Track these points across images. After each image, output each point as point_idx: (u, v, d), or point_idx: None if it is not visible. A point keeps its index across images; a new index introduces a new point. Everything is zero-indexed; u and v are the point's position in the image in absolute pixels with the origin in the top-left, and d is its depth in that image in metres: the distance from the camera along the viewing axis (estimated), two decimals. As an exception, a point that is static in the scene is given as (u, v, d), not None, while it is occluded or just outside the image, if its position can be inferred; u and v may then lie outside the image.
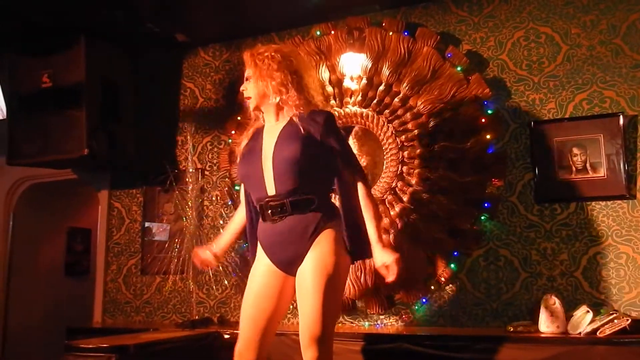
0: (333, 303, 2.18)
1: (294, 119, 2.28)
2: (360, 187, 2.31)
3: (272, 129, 2.34)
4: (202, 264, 2.57)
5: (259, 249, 2.35)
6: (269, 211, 2.25)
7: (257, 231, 2.38)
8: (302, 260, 2.21)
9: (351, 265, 3.29)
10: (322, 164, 2.27)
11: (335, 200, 2.36)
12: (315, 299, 2.13)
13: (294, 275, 2.25)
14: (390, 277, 2.23)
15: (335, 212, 2.30)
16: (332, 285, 2.16)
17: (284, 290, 2.30)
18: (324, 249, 2.19)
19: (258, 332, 2.28)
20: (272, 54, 2.33)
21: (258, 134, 2.39)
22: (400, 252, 3.16)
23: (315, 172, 2.25)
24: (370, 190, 2.37)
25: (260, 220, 2.33)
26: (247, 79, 2.38)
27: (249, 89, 2.36)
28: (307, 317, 2.15)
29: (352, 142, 3.40)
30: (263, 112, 2.40)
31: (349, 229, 2.26)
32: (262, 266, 2.33)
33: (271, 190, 2.25)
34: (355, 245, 2.28)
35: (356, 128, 3.43)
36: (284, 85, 2.29)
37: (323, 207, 2.26)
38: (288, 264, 2.26)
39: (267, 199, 2.26)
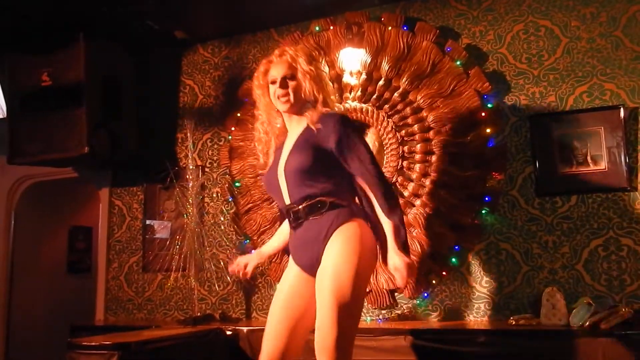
0: (348, 306, 2.05)
1: (310, 125, 2.24)
2: (374, 188, 2.18)
3: (291, 136, 2.33)
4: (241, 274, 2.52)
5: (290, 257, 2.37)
6: (290, 218, 2.29)
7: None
8: (319, 264, 2.18)
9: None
10: (335, 166, 2.23)
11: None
12: (327, 306, 2.05)
13: None
14: (400, 282, 2.13)
15: (354, 209, 2.24)
16: (346, 287, 2.05)
17: (312, 292, 2.18)
18: (337, 249, 2.13)
19: (287, 334, 2.20)
20: (313, 58, 2.36)
21: (280, 149, 2.37)
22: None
23: (327, 175, 2.21)
24: (387, 189, 2.22)
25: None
26: (288, 77, 2.27)
27: (291, 88, 2.26)
28: (320, 325, 2.07)
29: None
30: (283, 115, 2.37)
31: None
32: (292, 271, 2.33)
33: (287, 199, 2.28)
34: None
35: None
36: (322, 91, 2.30)
37: (339, 207, 2.19)
38: (310, 267, 2.23)
39: (286, 208, 2.29)
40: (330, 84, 2.46)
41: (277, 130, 2.40)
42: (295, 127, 2.33)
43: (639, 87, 2.98)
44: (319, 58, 2.53)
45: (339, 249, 2.13)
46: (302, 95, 2.27)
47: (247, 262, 2.50)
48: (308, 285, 2.23)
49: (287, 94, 2.26)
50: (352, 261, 2.10)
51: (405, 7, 3.49)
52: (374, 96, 3.38)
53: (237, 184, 3.69)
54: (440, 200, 3.17)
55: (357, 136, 2.24)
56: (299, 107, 2.29)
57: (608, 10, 3.08)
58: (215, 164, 3.89)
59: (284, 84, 2.26)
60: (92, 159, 3.77)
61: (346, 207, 2.22)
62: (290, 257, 2.36)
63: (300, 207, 2.22)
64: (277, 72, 2.29)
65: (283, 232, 2.53)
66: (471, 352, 2.66)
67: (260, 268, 3.61)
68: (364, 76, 3.42)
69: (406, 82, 3.31)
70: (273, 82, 2.30)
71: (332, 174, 2.23)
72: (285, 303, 2.26)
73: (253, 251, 2.58)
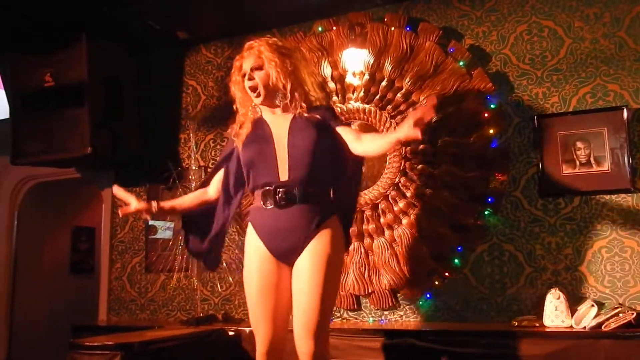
0: (331, 297, 2.23)
1: (302, 113, 2.31)
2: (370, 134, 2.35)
3: (278, 119, 2.33)
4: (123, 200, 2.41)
5: (251, 234, 2.31)
6: (277, 196, 2.22)
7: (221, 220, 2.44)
8: (301, 252, 2.20)
9: (355, 261, 3.33)
10: (331, 156, 2.31)
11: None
12: (314, 294, 2.14)
13: (289, 265, 2.25)
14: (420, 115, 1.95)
15: (335, 206, 2.34)
16: (331, 279, 2.19)
17: (281, 277, 2.26)
18: (324, 244, 2.20)
19: (272, 321, 2.24)
20: (283, 49, 2.36)
21: (260, 123, 2.36)
22: (404, 248, 3.21)
23: (325, 163, 2.28)
24: None
25: (260, 205, 2.27)
26: (255, 68, 2.29)
27: (258, 77, 2.29)
28: (304, 311, 2.15)
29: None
30: (261, 106, 2.38)
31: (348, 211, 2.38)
32: (255, 255, 2.29)
33: (283, 175, 2.24)
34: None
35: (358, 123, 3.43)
36: (292, 79, 2.31)
37: (327, 201, 2.31)
38: (285, 254, 2.23)
39: (276, 185, 2.23)
40: (313, 79, 2.47)
41: (253, 113, 2.41)
42: (280, 114, 2.35)
43: (643, 88, 2.98)
44: (291, 48, 2.52)
45: (330, 241, 2.21)
46: (271, 84, 2.29)
47: (132, 204, 2.35)
48: (276, 270, 2.25)
49: (256, 86, 2.30)
50: (336, 255, 2.24)
51: (408, 8, 3.48)
52: (377, 97, 3.38)
53: (239, 185, 3.69)
54: (443, 201, 3.16)
55: None
56: (272, 98, 2.32)
57: (612, 11, 3.07)
58: (217, 165, 3.88)
59: (251, 75, 2.30)
60: (94, 159, 3.78)
61: (332, 202, 2.33)
62: (253, 238, 2.30)
63: (296, 188, 2.21)
64: (247, 65, 2.32)
65: (194, 198, 2.51)
66: (474, 354, 2.65)
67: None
68: (366, 77, 3.42)
69: (409, 83, 3.30)
70: (244, 76, 2.34)
71: (327, 163, 2.30)
72: (260, 292, 2.25)
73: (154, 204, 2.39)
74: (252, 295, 2.28)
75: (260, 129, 2.34)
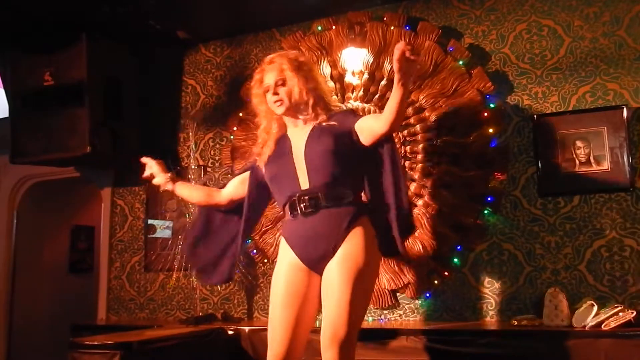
0: (361, 303, 2.18)
1: (322, 122, 2.33)
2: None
3: (298, 131, 2.37)
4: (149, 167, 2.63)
5: (283, 246, 2.34)
6: (302, 205, 2.24)
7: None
8: (332, 257, 2.19)
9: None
10: (355, 158, 2.29)
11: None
12: (342, 298, 2.11)
13: (321, 273, 2.23)
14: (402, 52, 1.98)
15: (366, 207, 2.30)
16: (361, 284, 2.14)
17: (310, 288, 2.26)
18: (355, 246, 2.18)
19: (290, 335, 2.22)
20: (304, 65, 2.40)
21: (283, 141, 2.40)
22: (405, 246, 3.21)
23: (348, 166, 2.27)
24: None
25: (289, 217, 2.31)
26: (279, 84, 2.34)
27: (283, 93, 2.34)
28: (331, 317, 2.12)
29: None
30: (284, 117, 2.42)
31: (379, 226, 2.27)
32: (286, 265, 2.30)
33: (305, 184, 2.26)
34: (385, 243, 2.28)
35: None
36: (314, 95, 2.36)
37: (355, 202, 2.26)
38: (317, 261, 2.23)
39: (299, 193, 2.26)
40: (329, 86, 2.53)
41: (276, 128, 2.45)
42: (302, 126, 2.38)
43: (642, 87, 2.97)
44: (310, 62, 2.55)
45: (358, 247, 2.18)
46: (293, 101, 2.34)
47: (156, 171, 2.62)
48: (306, 280, 2.26)
49: (281, 100, 2.34)
50: (368, 258, 2.18)
51: (408, 7, 3.48)
52: (377, 96, 3.38)
53: (239, 184, 3.69)
54: (443, 201, 3.16)
55: None
56: (295, 109, 2.37)
57: (611, 10, 3.07)
58: (217, 164, 3.88)
59: (276, 90, 2.35)
60: (93, 159, 3.78)
61: (360, 203, 2.30)
62: (285, 249, 2.32)
63: (320, 193, 2.22)
64: (269, 79, 2.37)
65: (203, 191, 2.68)
66: (473, 353, 2.65)
67: (262, 268, 3.61)
68: (366, 76, 3.42)
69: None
70: (267, 91, 2.38)
71: (351, 166, 2.28)
72: (285, 303, 2.25)
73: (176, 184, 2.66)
74: (276, 304, 2.27)
75: (282, 146, 2.38)
